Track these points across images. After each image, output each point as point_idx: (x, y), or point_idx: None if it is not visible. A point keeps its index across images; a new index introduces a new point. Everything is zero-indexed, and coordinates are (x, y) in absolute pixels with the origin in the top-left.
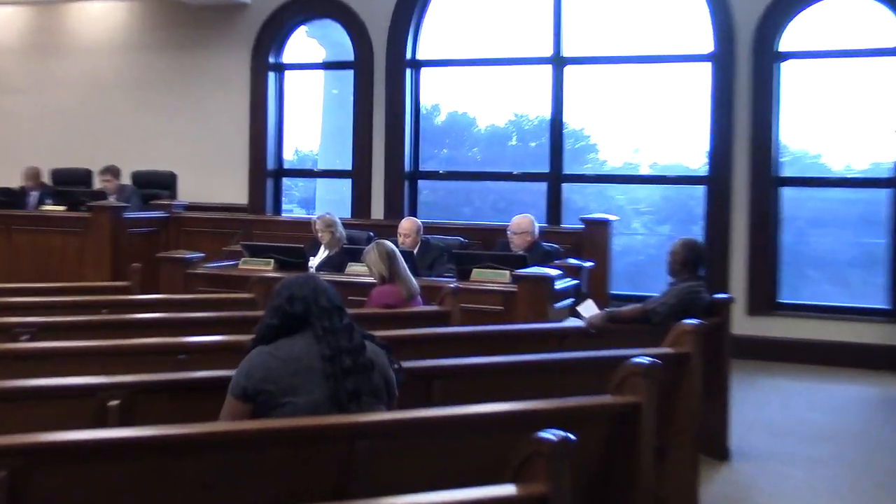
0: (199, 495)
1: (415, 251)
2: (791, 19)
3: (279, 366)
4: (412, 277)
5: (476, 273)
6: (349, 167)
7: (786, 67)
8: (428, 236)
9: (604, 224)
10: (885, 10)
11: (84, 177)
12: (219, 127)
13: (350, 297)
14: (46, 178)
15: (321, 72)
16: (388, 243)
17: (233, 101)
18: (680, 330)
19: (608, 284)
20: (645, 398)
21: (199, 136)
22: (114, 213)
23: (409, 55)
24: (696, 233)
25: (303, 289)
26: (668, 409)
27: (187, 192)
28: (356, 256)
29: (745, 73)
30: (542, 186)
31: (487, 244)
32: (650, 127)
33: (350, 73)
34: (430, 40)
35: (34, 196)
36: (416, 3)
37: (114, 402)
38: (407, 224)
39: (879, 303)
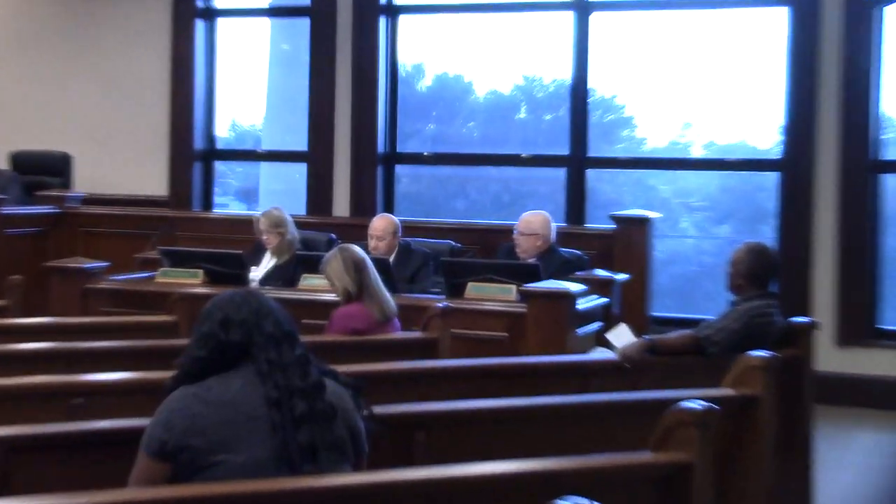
0: None
1: (391, 259)
2: None
3: (209, 412)
4: (387, 294)
5: (472, 288)
6: (304, 147)
7: (891, 13)
8: (409, 239)
9: (642, 223)
10: None
11: None
12: (129, 94)
13: (305, 321)
14: None
15: (267, 20)
16: (356, 249)
17: (148, 58)
18: (744, 365)
19: (648, 304)
20: (697, 455)
21: (103, 106)
22: None
23: None
24: (767, 235)
25: (241, 309)
26: (728, 471)
27: (86, 180)
28: (313, 266)
29: (836, 22)
30: (561, 173)
31: (487, 250)
32: (705, 94)
33: (305, 23)
34: None
35: None
36: None
37: None
38: (380, 223)
39: None
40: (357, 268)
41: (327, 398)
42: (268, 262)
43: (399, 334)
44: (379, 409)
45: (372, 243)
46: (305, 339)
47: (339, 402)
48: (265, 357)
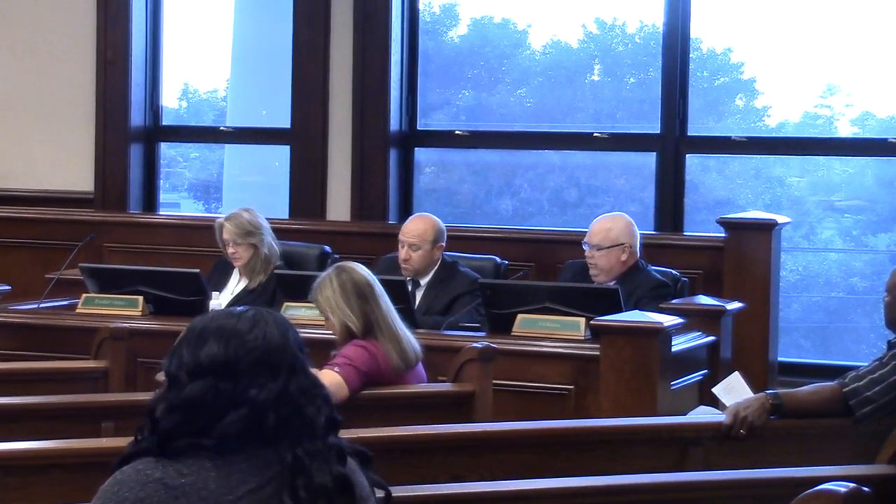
0: None
1: (427, 279)
2: None
3: None
4: (407, 330)
5: (524, 321)
6: (286, 124)
7: None
8: (456, 255)
9: (765, 231)
10: None
11: None
12: (39, 51)
13: None
14: None
15: None
16: (358, 268)
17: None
18: None
19: (772, 345)
20: None
21: (2, 70)
22: None
23: None
24: None
25: (273, 358)
26: None
27: None
28: (299, 290)
29: None
30: (649, 160)
31: (546, 269)
32: (857, 47)
33: None
34: None
35: None
36: None
37: None
38: (417, 226)
39: None
40: (361, 295)
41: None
42: (235, 285)
43: (422, 386)
44: (399, 491)
45: (403, 252)
46: None
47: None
48: (291, 448)
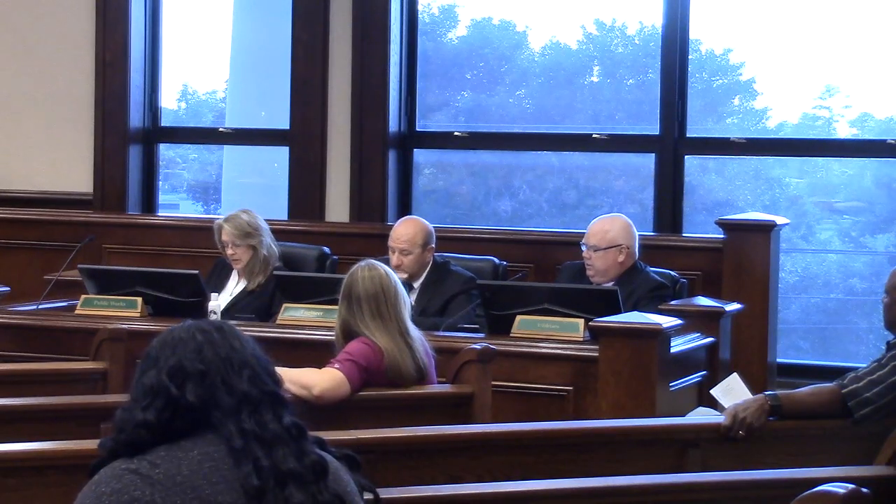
0: None
1: (420, 281)
2: None
3: (157, 498)
4: (421, 337)
5: (522, 323)
6: (284, 125)
7: None
8: (447, 255)
9: (763, 232)
10: None
11: None
12: (37, 52)
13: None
14: None
15: None
16: (380, 267)
17: (66, 2)
18: None
19: (771, 346)
20: None
21: (3, 72)
22: None
23: None
24: None
25: (203, 354)
26: None
27: None
28: (297, 291)
29: None
30: (648, 161)
31: (545, 270)
32: (856, 48)
33: None
34: None
35: None
36: None
37: None
38: (406, 230)
39: None
40: (375, 298)
41: (331, 485)
42: (234, 286)
43: (421, 387)
44: (388, 494)
45: (394, 258)
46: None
47: (340, 487)
48: (237, 427)
